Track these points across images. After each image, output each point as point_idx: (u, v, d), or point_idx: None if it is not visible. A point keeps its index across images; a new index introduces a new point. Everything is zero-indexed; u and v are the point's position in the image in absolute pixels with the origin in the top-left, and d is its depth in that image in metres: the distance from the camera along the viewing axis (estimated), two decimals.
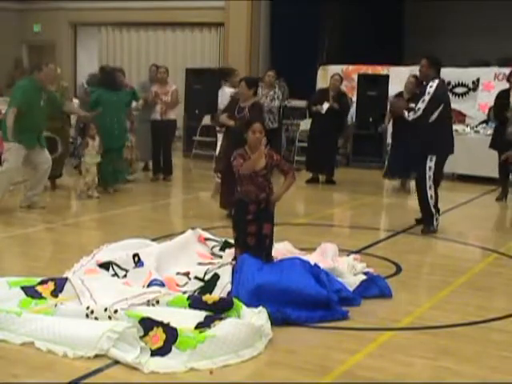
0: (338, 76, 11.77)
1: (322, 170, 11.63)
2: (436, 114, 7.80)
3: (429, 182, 7.90)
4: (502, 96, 10.29)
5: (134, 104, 10.92)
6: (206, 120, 14.07)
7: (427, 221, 8.06)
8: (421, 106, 7.77)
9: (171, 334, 4.31)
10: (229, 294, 5.12)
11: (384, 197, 10.99)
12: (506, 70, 12.68)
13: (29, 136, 8.44)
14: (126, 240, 6.46)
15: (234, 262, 5.51)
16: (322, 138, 11.24)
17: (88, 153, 9.57)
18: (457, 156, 11.45)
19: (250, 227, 5.69)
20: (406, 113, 8.00)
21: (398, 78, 10.95)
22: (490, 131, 11.35)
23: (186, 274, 5.57)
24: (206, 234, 6.64)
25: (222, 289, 5.23)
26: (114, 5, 16.98)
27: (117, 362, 4.18)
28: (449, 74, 13.61)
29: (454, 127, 12.54)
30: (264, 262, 5.52)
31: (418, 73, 11.69)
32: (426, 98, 7.76)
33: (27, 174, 9.11)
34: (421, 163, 7.90)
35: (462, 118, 13.14)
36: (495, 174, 10.53)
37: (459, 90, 13.50)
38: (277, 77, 14.38)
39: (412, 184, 11.24)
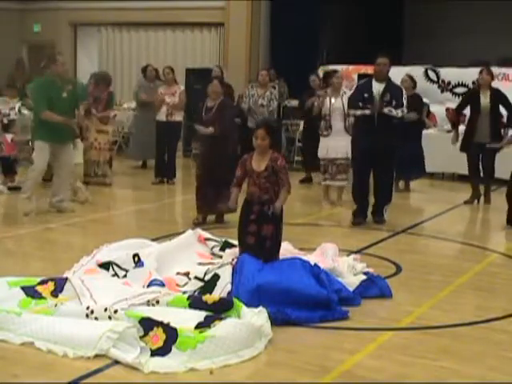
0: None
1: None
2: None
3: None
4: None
5: None
6: None
7: (383, 209, 8.46)
8: (405, 102, 8.18)
9: (171, 334, 4.31)
10: (229, 293, 5.12)
11: None
12: (506, 70, 12.69)
13: (50, 129, 8.25)
14: (126, 240, 6.46)
15: (234, 262, 5.51)
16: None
17: None
18: (457, 156, 11.49)
19: (251, 226, 5.73)
20: (393, 111, 8.10)
21: (398, 77, 10.94)
22: None
23: (186, 274, 5.57)
24: (206, 234, 6.64)
25: (222, 289, 5.23)
26: (113, 5, 16.95)
27: (117, 362, 4.18)
28: (449, 73, 13.65)
29: None
30: (264, 262, 5.54)
31: (413, 73, 11.86)
32: (404, 95, 8.24)
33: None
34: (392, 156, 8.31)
35: (462, 118, 13.12)
36: (496, 173, 10.53)
37: (459, 90, 13.48)
38: (277, 76, 14.41)
39: (412, 183, 11.31)
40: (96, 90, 11.00)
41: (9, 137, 10.02)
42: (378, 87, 8.16)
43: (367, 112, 8.09)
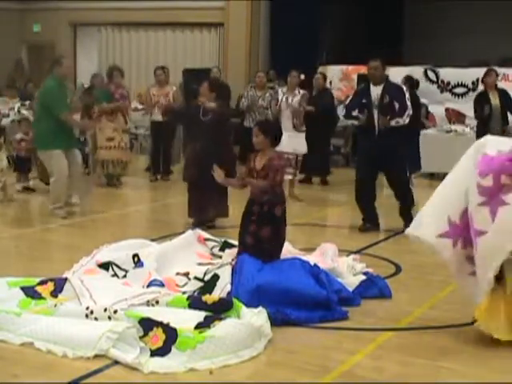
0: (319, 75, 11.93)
1: (315, 172, 11.46)
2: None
3: None
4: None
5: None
6: None
7: (410, 213, 7.86)
8: (408, 103, 7.81)
9: (171, 334, 4.31)
10: (229, 294, 5.12)
11: (384, 197, 10.97)
12: (506, 70, 12.70)
13: (65, 137, 8.20)
14: (126, 240, 6.46)
15: (233, 263, 5.52)
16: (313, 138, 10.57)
17: None
18: (457, 156, 11.50)
19: (251, 226, 5.74)
20: (400, 121, 7.78)
21: (398, 78, 10.96)
22: None
23: (186, 275, 5.57)
24: (206, 235, 6.64)
25: (221, 289, 5.23)
26: (113, 5, 16.96)
27: (117, 362, 4.18)
28: (449, 73, 13.65)
29: (454, 127, 12.71)
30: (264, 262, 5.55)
31: (413, 73, 11.84)
32: (407, 94, 7.91)
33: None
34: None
35: (462, 118, 13.14)
36: None
37: (459, 90, 13.48)
38: (277, 77, 14.40)
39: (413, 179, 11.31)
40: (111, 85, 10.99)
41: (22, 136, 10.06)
42: (375, 91, 7.84)
43: (356, 123, 7.99)
